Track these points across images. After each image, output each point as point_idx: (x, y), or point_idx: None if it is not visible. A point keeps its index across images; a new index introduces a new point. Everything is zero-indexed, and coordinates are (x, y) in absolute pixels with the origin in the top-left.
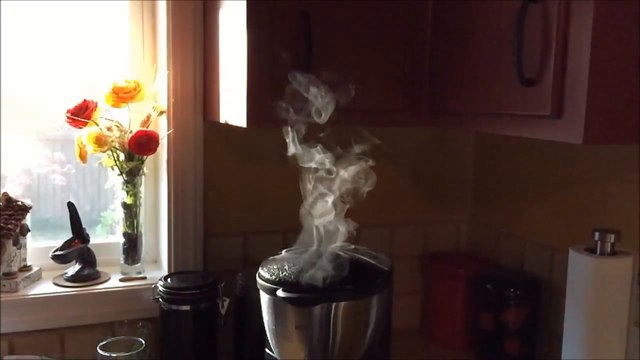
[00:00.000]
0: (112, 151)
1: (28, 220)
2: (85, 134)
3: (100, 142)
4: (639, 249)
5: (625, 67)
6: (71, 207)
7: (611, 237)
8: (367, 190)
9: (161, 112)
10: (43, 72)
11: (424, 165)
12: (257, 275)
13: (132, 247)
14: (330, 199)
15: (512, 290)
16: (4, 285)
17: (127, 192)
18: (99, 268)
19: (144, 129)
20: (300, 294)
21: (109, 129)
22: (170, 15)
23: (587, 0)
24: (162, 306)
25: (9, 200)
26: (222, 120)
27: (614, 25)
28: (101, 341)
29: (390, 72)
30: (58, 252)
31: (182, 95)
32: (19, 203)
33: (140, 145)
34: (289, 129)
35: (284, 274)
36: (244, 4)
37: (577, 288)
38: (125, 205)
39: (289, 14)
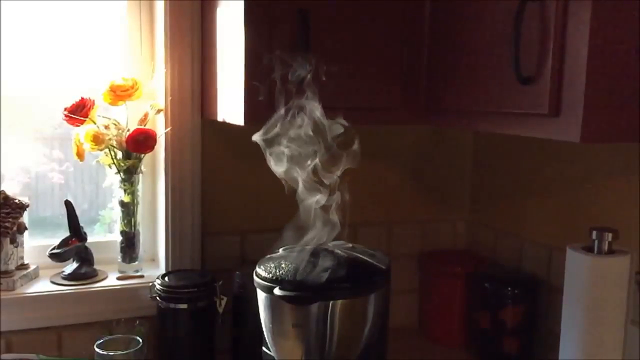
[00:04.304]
0: (109, 149)
1: (26, 218)
2: (82, 132)
3: (97, 140)
4: (638, 248)
5: (623, 65)
6: (69, 205)
7: (609, 236)
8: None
9: (159, 110)
10: (41, 70)
11: (421, 164)
12: (254, 273)
13: (129, 246)
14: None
15: (509, 288)
16: (2, 284)
17: (125, 191)
18: (96, 266)
19: (142, 127)
20: (297, 292)
21: (106, 127)
22: (168, 13)
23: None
24: (160, 304)
25: (6, 199)
26: (219, 119)
27: (612, 23)
28: (98, 339)
29: (388, 70)
30: (55, 251)
31: (179, 93)
32: (17, 201)
33: (138, 144)
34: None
35: (280, 272)
36: (242, 2)
37: (574, 287)
38: (122, 204)
39: (287, 12)
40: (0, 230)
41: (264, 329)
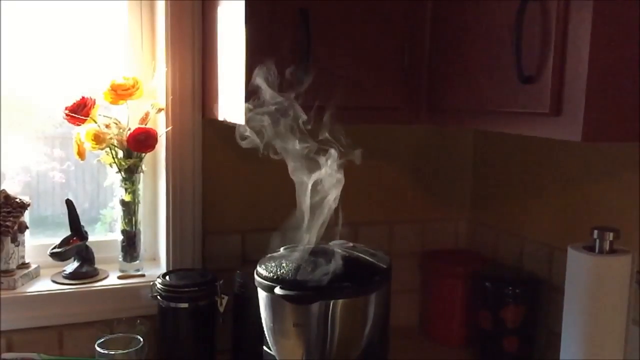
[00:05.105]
0: (110, 148)
1: (27, 217)
2: (83, 131)
3: (98, 139)
4: (638, 248)
5: (624, 64)
6: (69, 204)
7: (610, 236)
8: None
9: (160, 110)
10: (42, 70)
11: (422, 163)
12: (254, 272)
13: (130, 245)
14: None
15: (510, 288)
16: (2, 283)
17: (126, 190)
18: (97, 265)
19: (143, 126)
20: (298, 292)
21: (107, 126)
22: (169, 12)
23: None
24: (161, 304)
25: (7, 198)
26: (220, 118)
27: (613, 22)
28: (99, 338)
29: (389, 69)
30: (56, 250)
31: (180, 92)
32: (18, 200)
33: (139, 143)
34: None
35: (281, 271)
36: (243, 2)
37: (575, 286)
38: (123, 203)
39: (288, 11)
40: (2, 230)
41: (264, 328)
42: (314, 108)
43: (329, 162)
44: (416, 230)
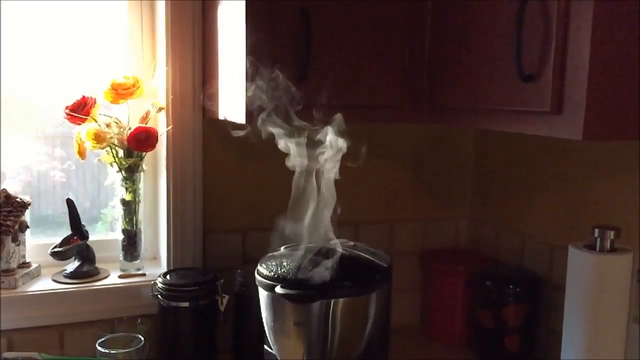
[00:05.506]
0: (111, 148)
1: (27, 216)
2: (84, 131)
3: (99, 138)
4: (639, 246)
5: (625, 63)
6: (70, 203)
7: (611, 234)
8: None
9: (160, 109)
10: (43, 69)
11: (423, 162)
12: (255, 271)
13: (131, 244)
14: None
15: (511, 287)
16: (3, 282)
17: (126, 189)
18: (98, 265)
19: (143, 125)
20: (299, 291)
21: (107, 125)
22: (169, 12)
23: None
24: (161, 303)
25: (8, 197)
26: (221, 117)
27: (614, 21)
28: (100, 338)
29: (390, 68)
30: (57, 249)
31: (181, 91)
32: (18, 200)
33: (139, 142)
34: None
35: (282, 270)
36: (243, 2)
37: (576, 285)
38: (124, 202)
39: (288, 10)
40: (2, 229)
41: (265, 328)
42: (315, 107)
43: (329, 132)
44: (417, 229)
